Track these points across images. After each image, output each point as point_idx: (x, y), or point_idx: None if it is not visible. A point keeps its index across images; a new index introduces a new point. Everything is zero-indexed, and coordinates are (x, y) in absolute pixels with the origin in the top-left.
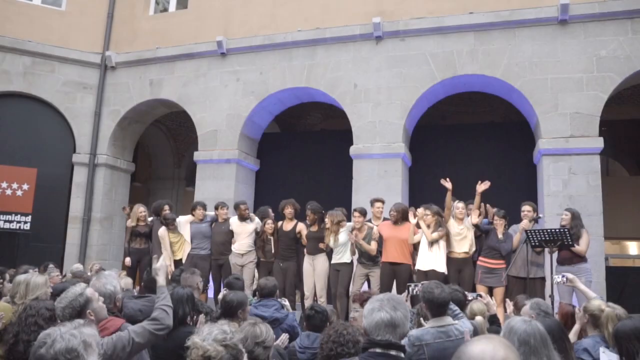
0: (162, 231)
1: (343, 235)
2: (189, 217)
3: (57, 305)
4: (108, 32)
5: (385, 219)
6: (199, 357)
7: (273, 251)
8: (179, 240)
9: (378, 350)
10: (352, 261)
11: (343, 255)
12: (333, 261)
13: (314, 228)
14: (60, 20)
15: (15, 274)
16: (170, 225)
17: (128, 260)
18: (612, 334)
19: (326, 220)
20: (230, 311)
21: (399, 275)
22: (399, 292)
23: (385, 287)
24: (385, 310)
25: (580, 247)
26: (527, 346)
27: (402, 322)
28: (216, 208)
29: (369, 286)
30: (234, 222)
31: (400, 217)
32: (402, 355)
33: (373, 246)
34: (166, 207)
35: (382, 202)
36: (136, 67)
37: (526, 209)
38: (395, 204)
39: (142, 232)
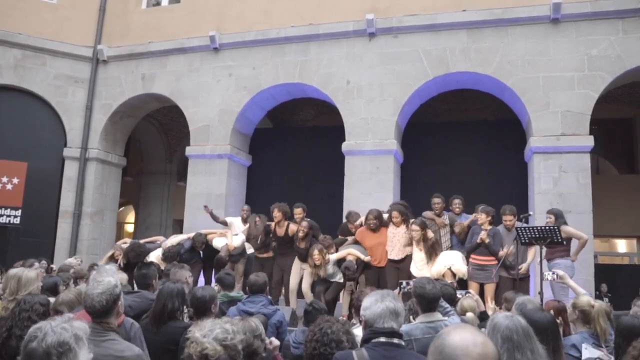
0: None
1: (330, 267)
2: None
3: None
4: (100, 26)
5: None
6: (197, 352)
7: (274, 245)
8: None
9: (382, 339)
10: (343, 281)
11: (334, 276)
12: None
13: (302, 245)
14: (52, 14)
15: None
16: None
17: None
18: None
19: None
20: (204, 308)
21: (382, 276)
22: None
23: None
24: (388, 300)
25: (575, 233)
26: (510, 342)
27: (402, 311)
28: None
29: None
30: (217, 240)
31: (379, 223)
32: (403, 342)
33: (367, 258)
34: (117, 253)
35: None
36: (128, 61)
37: (507, 218)
38: (370, 211)
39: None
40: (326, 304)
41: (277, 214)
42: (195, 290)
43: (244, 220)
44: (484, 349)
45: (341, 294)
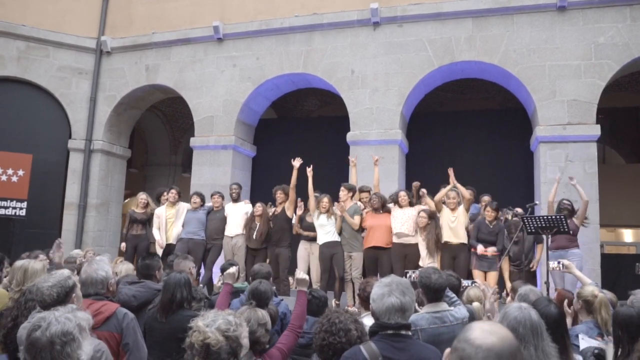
0: (160, 210)
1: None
2: (189, 205)
3: (42, 284)
4: (103, 17)
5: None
6: (198, 341)
7: (259, 234)
8: (173, 218)
9: (390, 332)
10: (339, 242)
11: (334, 234)
12: (325, 240)
13: (311, 218)
14: (55, 4)
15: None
16: (173, 194)
17: (123, 245)
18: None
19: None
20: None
21: (381, 259)
22: (383, 276)
23: (370, 272)
24: (394, 295)
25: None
26: (514, 333)
27: (410, 306)
28: (212, 196)
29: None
30: (228, 206)
31: (381, 204)
32: (410, 332)
33: (356, 220)
34: (164, 193)
35: (368, 192)
36: (132, 53)
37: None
38: (375, 193)
39: (139, 219)
40: (339, 279)
41: (280, 195)
42: (259, 285)
43: (232, 199)
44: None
45: (345, 285)
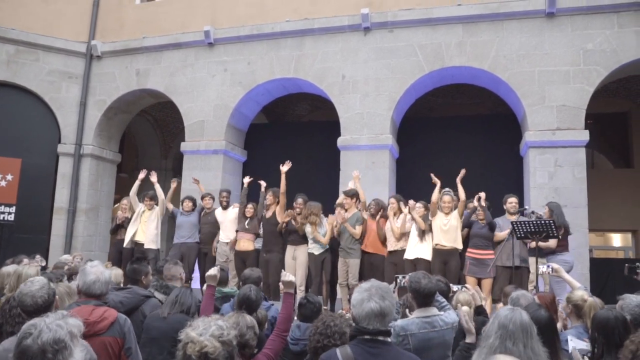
0: (141, 207)
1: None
2: (159, 208)
3: (30, 288)
4: (94, 21)
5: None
6: (195, 352)
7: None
8: (146, 219)
9: (367, 337)
10: (327, 248)
11: (322, 245)
12: (315, 247)
13: (298, 222)
14: (45, 8)
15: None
16: (148, 203)
17: (121, 215)
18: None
19: (305, 212)
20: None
21: (375, 264)
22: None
23: (367, 278)
24: (374, 300)
25: (549, 243)
26: (504, 330)
27: (390, 310)
28: (202, 198)
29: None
30: (218, 212)
31: (377, 210)
32: (389, 339)
33: (358, 230)
34: (146, 198)
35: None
36: (122, 57)
37: (513, 200)
38: (374, 199)
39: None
40: (326, 284)
41: (269, 198)
42: (248, 292)
43: (222, 206)
44: None
45: (338, 289)
